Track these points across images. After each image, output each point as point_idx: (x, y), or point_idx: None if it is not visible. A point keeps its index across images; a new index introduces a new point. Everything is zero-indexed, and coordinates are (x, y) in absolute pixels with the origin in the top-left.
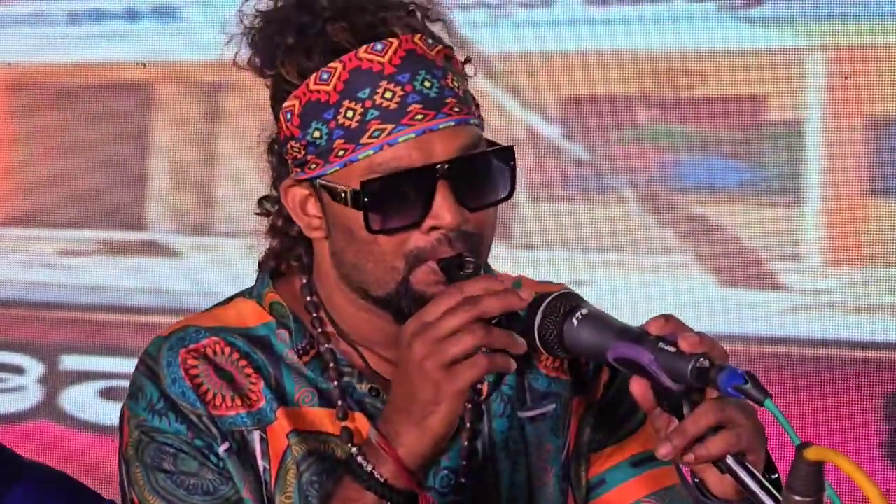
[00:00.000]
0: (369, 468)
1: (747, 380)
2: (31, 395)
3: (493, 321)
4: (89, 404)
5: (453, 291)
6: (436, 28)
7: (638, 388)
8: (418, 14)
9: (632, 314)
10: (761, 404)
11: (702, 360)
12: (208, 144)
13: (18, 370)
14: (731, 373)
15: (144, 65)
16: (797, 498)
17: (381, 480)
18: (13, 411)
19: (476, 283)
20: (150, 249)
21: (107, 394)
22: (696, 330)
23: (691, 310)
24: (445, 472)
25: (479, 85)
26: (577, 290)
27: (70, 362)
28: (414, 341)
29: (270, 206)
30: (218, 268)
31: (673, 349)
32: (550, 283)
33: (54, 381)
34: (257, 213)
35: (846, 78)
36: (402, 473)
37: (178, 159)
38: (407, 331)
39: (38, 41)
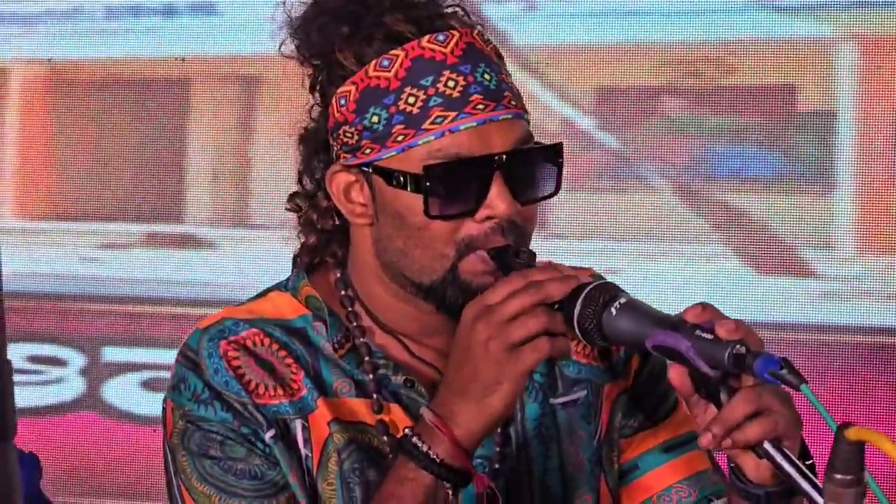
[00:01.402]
0: (425, 448)
1: (783, 365)
2: (74, 386)
3: (555, 307)
4: (131, 395)
5: (516, 276)
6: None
7: (676, 375)
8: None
9: (666, 303)
10: (797, 389)
11: (738, 346)
12: (245, 138)
13: (61, 362)
14: (766, 359)
15: (182, 59)
16: (838, 476)
17: (437, 460)
18: (56, 403)
19: (538, 271)
20: (189, 242)
21: (148, 385)
22: (732, 318)
23: (724, 298)
24: (479, 459)
25: (513, 77)
26: (610, 279)
27: (112, 354)
28: (477, 322)
29: (302, 201)
30: (255, 260)
31: (710, 336)
32: (580, 268)
33: (96, 373)
34: (288, 209)
35: (877, 66)
36: (458, 453)
37: (216, 153)
38: (469, 312)
39: (78, 37)
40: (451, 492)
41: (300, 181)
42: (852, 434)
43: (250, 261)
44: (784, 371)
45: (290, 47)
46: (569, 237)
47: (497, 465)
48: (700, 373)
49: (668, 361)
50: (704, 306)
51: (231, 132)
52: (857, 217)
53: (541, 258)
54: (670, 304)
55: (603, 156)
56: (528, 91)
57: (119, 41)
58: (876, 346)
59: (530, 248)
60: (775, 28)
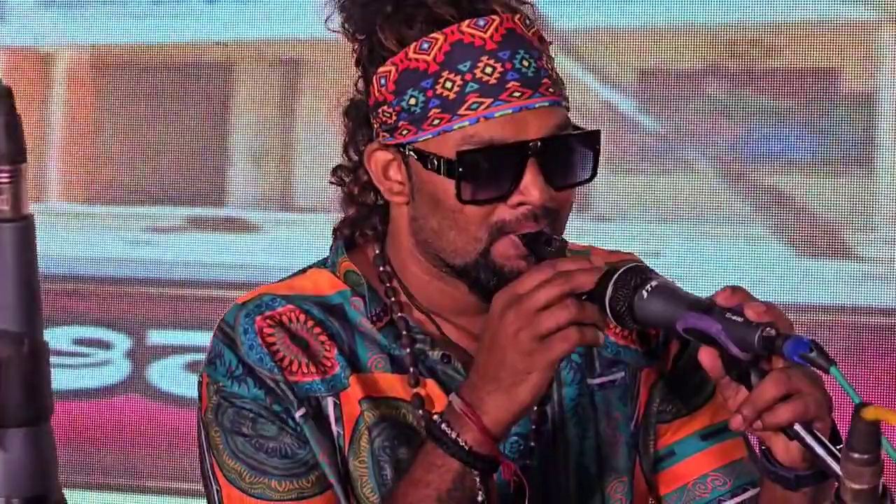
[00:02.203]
0: (453, 435)
1: (812, 348)
2: (120, 369)
3: (584, 297)
4: (176, 378)
5: (545, 266)
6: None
7: (707, 357)
8: None
9: (707, 285)
10: (827, 371)
11: (768, 329)
12: (287, 121)
13: (107, 345)
14: (796, 341)
15: (225, 43)
16: (855, 455)
17: (466, 448)
18: (102, 385)
19: (567, 262)
20: (232, 225)
21: (192, 367)
22: (763, 300)
23: (766, 280)
24: (515, 437)
25: (555, 60)
26: (651, 261)
27: (157, 337)
28: (507, 312)
29: (345, 174)
30: (298, 242)
31: (740, 319)
32: (619, 252)
33: (142, 356)
34: (332, 182)
35: None
36: (486, 440)
37: (258, 136)
38: (498, 302)
39: (122, 21)
40: (478, 479)
41: (346, 152)
42: (869, 413)
43: (293, 244)
44: (814, 353)
45: (334, 23)
46: (611, 219)
47: (532, 444)
48: (731, 355)
49: (700, 344)
50: (735, 289)
51: (273, 115)
52: None
53: (584, 241)
54: (712, 286)
55: (644, 138)
56: (570, 74)
57: (163, 25)
58: None
59: (565, 230)
60: (818, 10)
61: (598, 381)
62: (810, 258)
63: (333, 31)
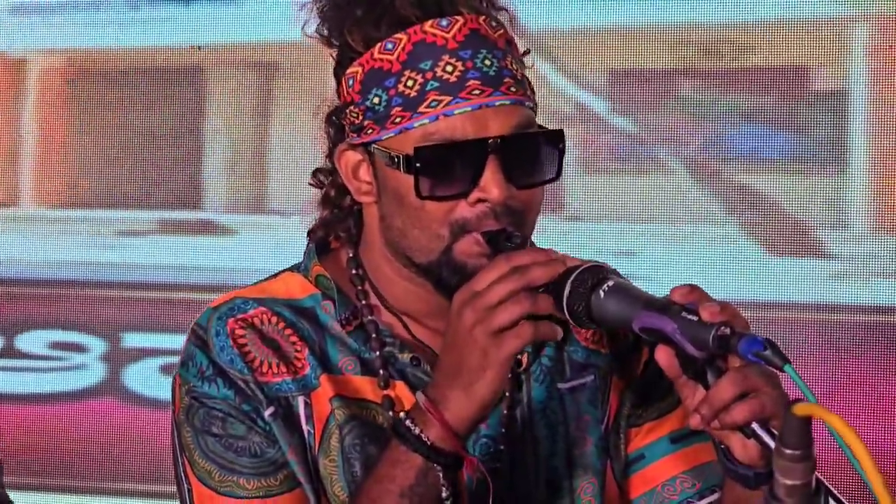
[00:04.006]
0: (417, 431)
1: (766, 346)
2: (95, 372)
3: (540, 291)
4: (151, 380)
5: (501, 262)
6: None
7: (663, 356)
8: (484, 1)
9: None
10: (781, 369)
11: (723, 328)
12: (261, 125)
13: (82, 349)
14: (750, 340)
15: (199, 47)
16: (788, 451)
17: (428, 443)
18: (78, 389)
19: (523, 255)
20: (207, 228)
21: (167, 370)
22: (718, 299)
23: (739, 279)
24: (485, 439)
25: (527, 61)
26: (625, 261)
27: (132, 340)
28: (463, 309)
29: (324, 177)
30: (273, 245)
31: (695, 318)
32: (594, 262)
33: (117, 359)
34: (311, 184)
35: (890, 46)
36: (449, 437)
37: (233, 140)
38: (457, 300)
39: (95, 26)
40: (441, 475)
41: (328, 157)
42: (800, 409)
43: (268, 247)
44: (768, 352)
45: (311, 29)
46: (584, 220)
47: (502, 447)
48: (687, 354)
49: (657, 343)
50: (692, 287)
51: (248, 119)
52: (870, 197)
53: (559, 241)
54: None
55: (617, 138)
56: (542, 75)
57: (136, 30)
58: (889, 325)
59: (533, 231)
60: (788, 8)
61: (567, 384)
62: (783, 257)
63: (310, 36)
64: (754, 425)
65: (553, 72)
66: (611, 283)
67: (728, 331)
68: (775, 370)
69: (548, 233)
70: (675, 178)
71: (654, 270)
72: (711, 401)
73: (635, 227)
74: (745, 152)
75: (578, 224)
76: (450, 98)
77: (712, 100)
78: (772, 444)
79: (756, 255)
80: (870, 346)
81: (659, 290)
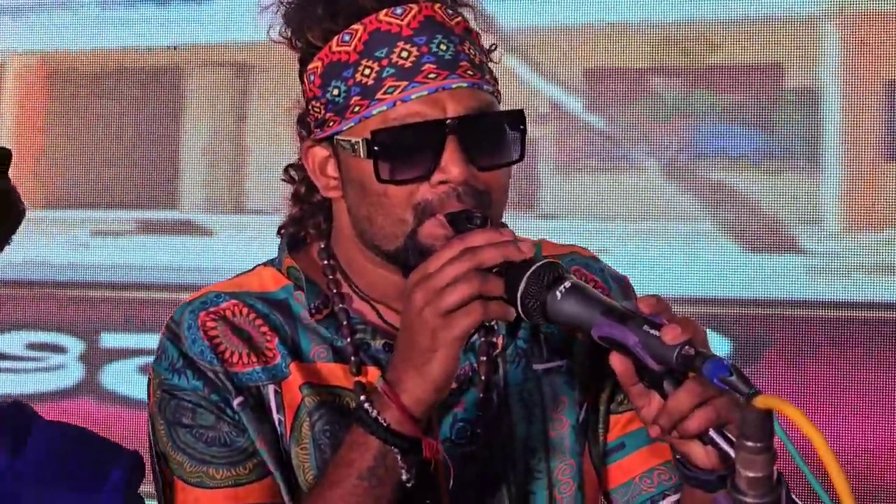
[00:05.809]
0: (374, 414)
1: (732, 372)
2: (73, 372)
3: (494, 271)
4: (129, 380)
5: (455, 242)
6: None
7: (619, 363)
8: None
9: (655, 281)
10: (746, 396)
11: (687, 347)
12: (238, 124)
13: (60, 349)
14: (716, 364)
15: (176, 48)
16: (749, 444)
17: (385, 425)
18: (56, 389)
19: (477, 235)
20: (185, 228)
21: (145, 369)
22: (679, 315)
23: (714, 276)
24: (462, 423)
25: (498, 58)
26: (600, 258)
27: (109, 340)
28: (415, 291)
29: (295, 173)
30: (251, 245)
31: (657, 333)
32: (571, 245)
33: (95, 359)
34: (283, 180)
35: (862, 43)
36: (406, 419)
37: (210, 140)
38: (410, 281)
39: (72, 27)
40: (399, 457)
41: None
42: (759, 402)
43: (245, 246)
44: (733, 377)
45: (277, 32)
46: (558, 217)
47: (478, 430)
48: (645, 365)
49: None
50: (658, 300)
51: (225, 119)
52: (843, 193)
53: (528, 237)
54: (660, 283)
55: (591, 137)
56: (517, 73)
57: (112, 31)
58: (863, 321)
59: (501, 215)
60: (762, 7)
61: (543, 366)
62: (757, 253)
63: (276, 41)
64: (711, 432)
65: (528, 70)
66: (568, 283)
67: (693, 351)
68: (739, 395)
69: (522, 231)
70: (650, 175)
71: (629, 268)
72: (670, 411)
73: (610, 224)
74: (719, 150)
75: (553, 222)
76: (406, 83)
77: (686, 98)
78: (730, 450)
79: (731, 251)
80: (844, 341)
81: (635, 287)
